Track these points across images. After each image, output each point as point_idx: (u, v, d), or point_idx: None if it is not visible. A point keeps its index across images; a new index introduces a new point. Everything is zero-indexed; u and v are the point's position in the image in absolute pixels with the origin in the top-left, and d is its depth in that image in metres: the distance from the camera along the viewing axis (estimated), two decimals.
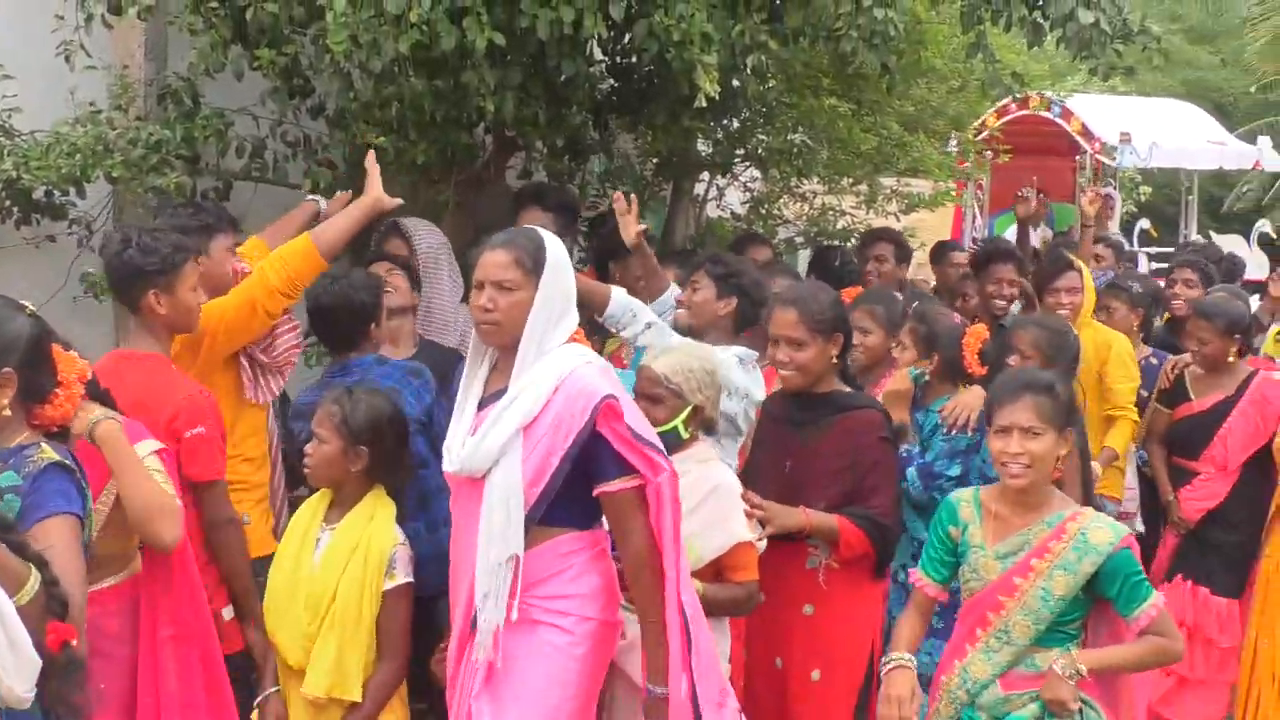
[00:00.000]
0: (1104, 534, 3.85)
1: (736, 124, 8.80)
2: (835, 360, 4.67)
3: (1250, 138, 18.13)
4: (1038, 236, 11.84)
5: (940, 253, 8.63)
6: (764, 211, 10.46)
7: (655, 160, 9.00)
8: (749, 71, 6.41)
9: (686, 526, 3.80)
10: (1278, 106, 28.48)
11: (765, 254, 6.69)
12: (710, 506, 4.11)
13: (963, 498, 4.07)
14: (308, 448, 4.20)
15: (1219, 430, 6.16)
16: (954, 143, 14.45)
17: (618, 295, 5.26)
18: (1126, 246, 13.40)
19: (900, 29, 6.69)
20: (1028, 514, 3.94)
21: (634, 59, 7.14)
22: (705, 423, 4.27)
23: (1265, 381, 6.21)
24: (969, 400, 5.23)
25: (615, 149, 8.30)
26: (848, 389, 4.73)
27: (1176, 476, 6.30)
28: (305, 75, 6.55)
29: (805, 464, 4.55)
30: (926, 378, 5.47)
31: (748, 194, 10.49)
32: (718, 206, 10.42)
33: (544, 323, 3.66)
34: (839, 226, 10.62)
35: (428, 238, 6.23)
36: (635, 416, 3.71)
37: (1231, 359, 6.19)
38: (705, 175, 9.61)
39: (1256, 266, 13.25)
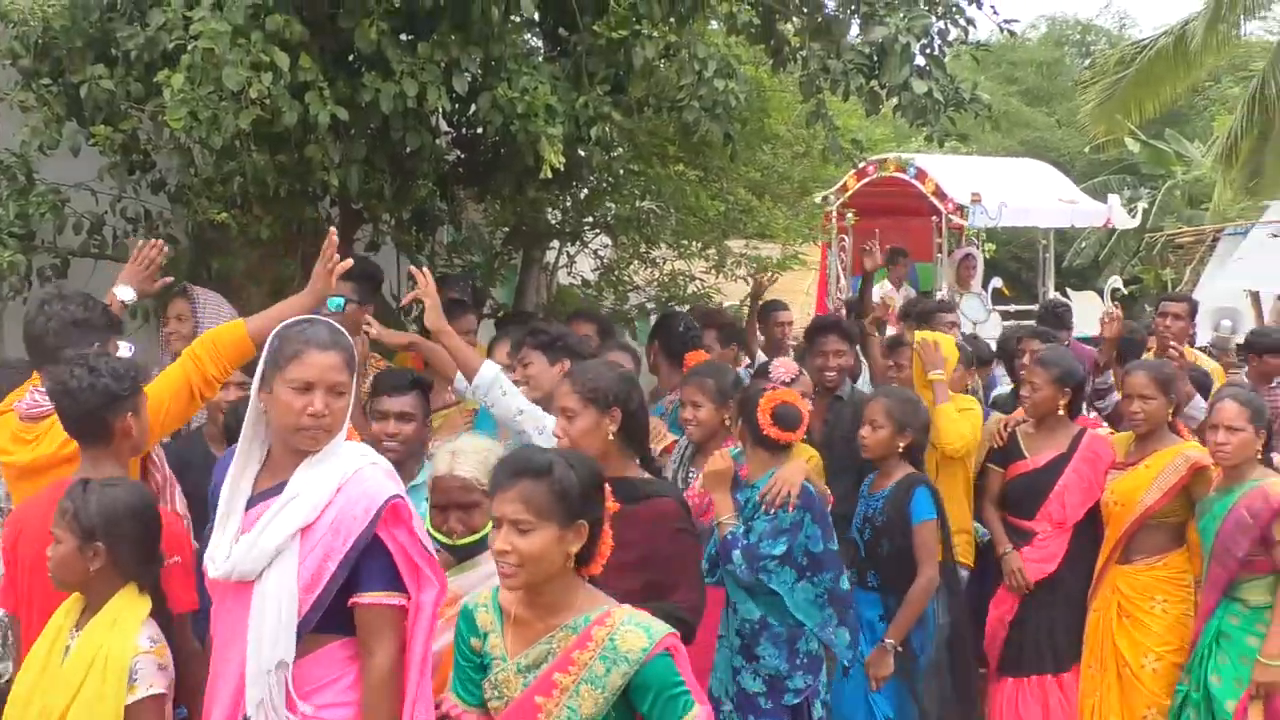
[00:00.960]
0: (636, 639, 3.17)
1: (584, 192, 8.89)
2: (613, 437, 4.25)
3: (1099, 195, 18.78)
4: (902, 295, 12.14)
5: (765, 312, 8.76)
6: (615, 278, 10.56)
7: (504, 229, 9.04)
8: (594, 142, 6.48)
9: None
10: (1110, 165, 29.68)
11: (589, 329, 6.67)
12: None
13: (480, 601, 3.38)
14: (48, 550, 3.76)
15: (1054, 487, 6.22)
16: (819, 201, 14.81)
17: (488, 369, 5.04)
18: (987, 305, 13.67)
19: (741, 99, 6.85)
20: (550, 617, 3.26)
21: (479, 130, 7.19)
22: None
23: (1094, 439, 6.34)
24: (788, 475, 5.09)
25: (463, 219, 8.32)
26: (644, 475, 4.33)
27: (1012, 537, 6.30)
28: (145, 150, 6.48)
29: None
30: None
31: (598, 261, 10.57)
32: (569, 274, 10.49)
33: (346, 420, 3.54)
34: (689, 291, 10.75)
35: (213, 308, 6.09)
36: (419, 524, 3.50)
37: (1061, 412, 6.32)
38: (555, 243, 9.68)
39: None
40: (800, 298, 14.46)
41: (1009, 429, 6.45)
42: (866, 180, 14.45)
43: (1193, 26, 22.04)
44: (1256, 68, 24.16)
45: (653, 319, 11.59)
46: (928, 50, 7.60)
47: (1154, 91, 23.01)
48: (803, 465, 5.18)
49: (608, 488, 3.40)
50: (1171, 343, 7.59)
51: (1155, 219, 25.34)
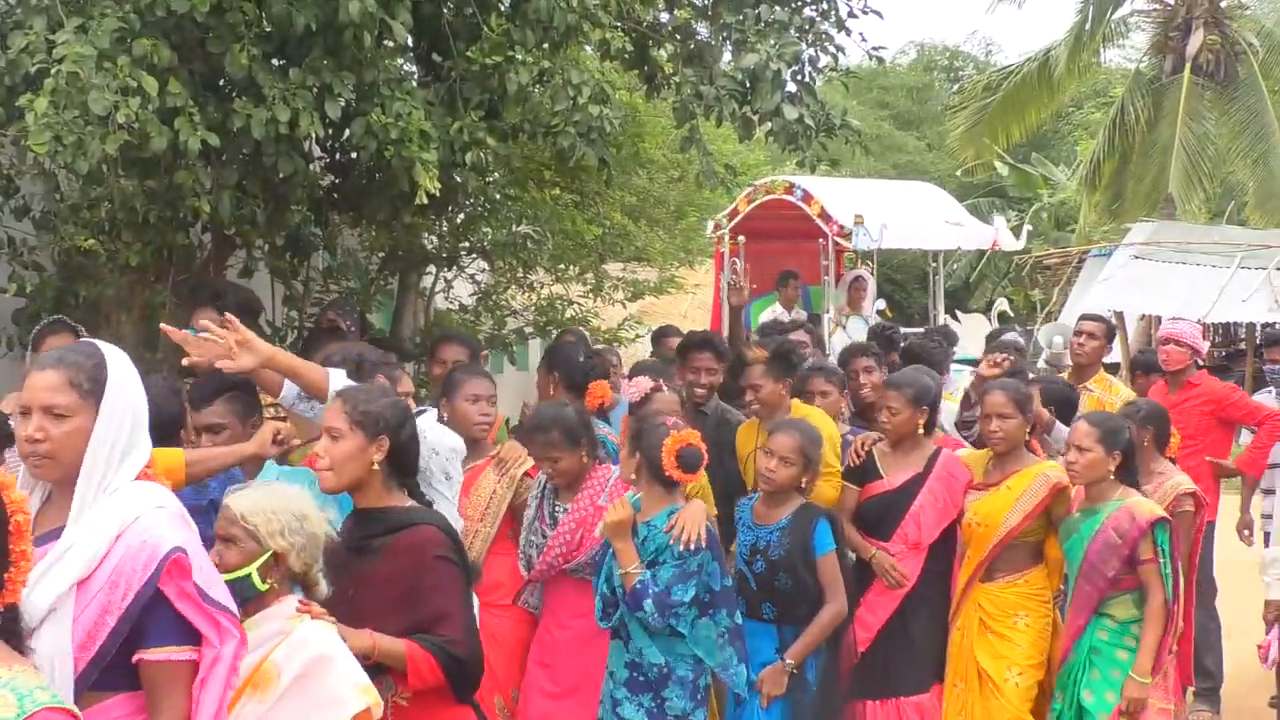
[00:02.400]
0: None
1: (460, 217, 8.90)
2: (378, 466, 4.00)
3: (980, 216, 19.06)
4: (793, 318, 12.24)
5: (658, 338, 8.82)
6: (492, 302, 10.57)
7: (380, 254, 9.00)
8: (469, 167, 6.51)
9: (290, 707, 3.39)
10: (979, 189, 30.36)
11: (458, 353, 6.64)
12: (315, 681, 3.51)
13: None
14: None
15: (910, 508, 6.16)
16: (711, 227, 14.89)
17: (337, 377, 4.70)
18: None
19: (616, 124, 6.92)
20: None
21: (353, 156, 7.16)
22: (293, 575, 3.69)
23: (949, 459, 6.31)
24: (693, 516, 5.00)
25: (339, 244, 8.27)
26: (409, 503, 4.08)
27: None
28: (8, 176, 6.35)
29: (367, 591, 3.94)
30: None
31: (475, 286, 10.57)
32: (446, 299, 10.47)
33: (106, 456, 3.15)
34: (567, 316, 10.79)
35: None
36: (207, 573, 3.23)
37: (920, 431, 6.41)
38: (432, 268, 9.66)
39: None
40: (677, 322, 14.52)
41: (866, 448, 6.37)
42: (756, 204, 14.54)
43: (1056, 53, 22.70)
44: (1116, 93, 24.99)
45: (533, 345, 11.64)
46: (799, 77, 7.75)
47: (1020, 116, 23.64)
48: (703, 506, 5.15)
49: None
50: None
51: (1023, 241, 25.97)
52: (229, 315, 4.49)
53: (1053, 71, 22.65)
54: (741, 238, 13.80)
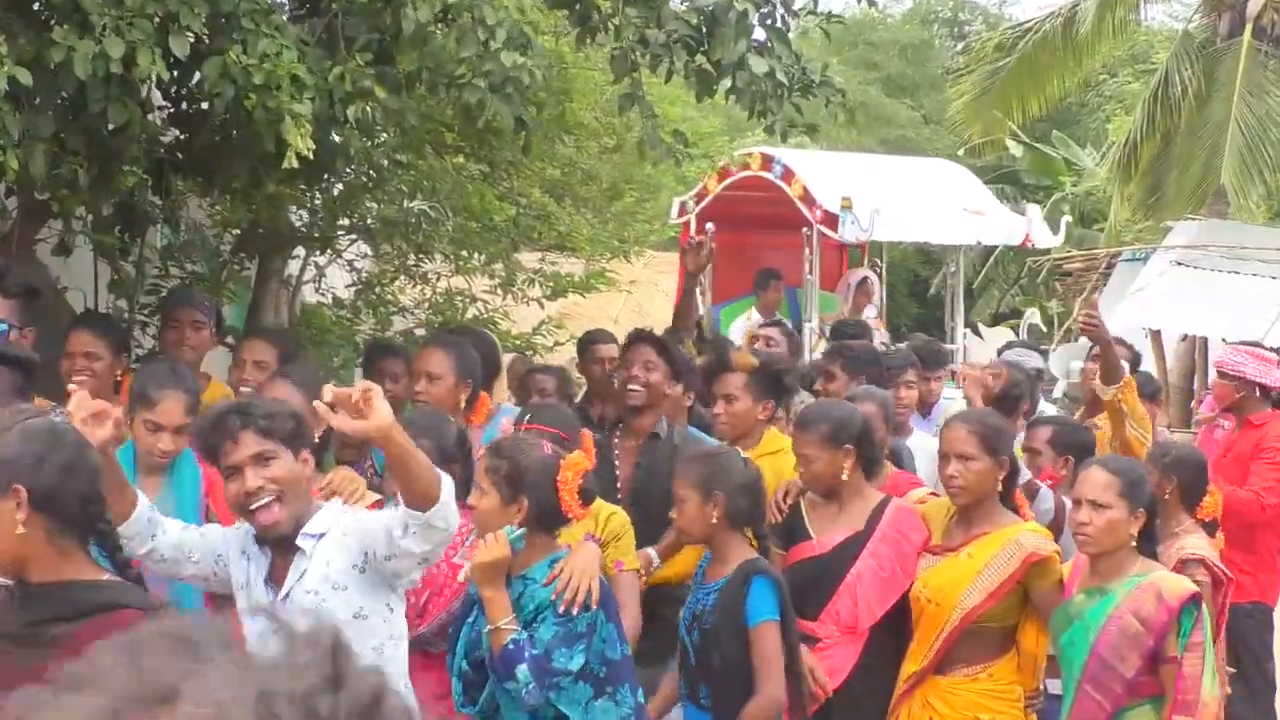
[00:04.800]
0: None
1: (338, 188, 8.86)
2: (24, 529, 3.43)
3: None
4: (748, 327, 12.23)
5: (583, 346, 8.85)
6: (375, 296, 10.53)
7: (235, 232, 8.95)
8: (351, 124, 6.48)
9: None
10: (987, 172, 30.65)
11: (264, 353, 6.60)
12: None
13: None
14: None
15: (844, 578, 5.88)
16: (676, 210, 14.78)
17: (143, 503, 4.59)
18: (883, 341, 13.27)
19: (538, 76, 6.92)
20: None
21: (205, 106, 7.11)
22: None
23: (901, 514, 6.02)
24: (580, 563, 4.96)
25: (183, 218, 8.22)
26: (101, 577, 3.60)
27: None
28: None
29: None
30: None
31: (355, 275, 10.53)
32: (317, 290, 10.42)
33: None
34: (469, 315, 10.77)
35: None
36: None
37: (845, 476, 5.97)
38: (300, 251, 9.60)
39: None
40: (608, 327, 14.50)
41: (790, 499, 6.15)
42: (731, 181, 14.34)
43: (1084, 8, 22.91)
44: (1159, 60, 25.29)
45: None
46: (768, 21, 7.78)
47: (1039, 85, 23.86)
48: (595, 552, 5.10)
49: None
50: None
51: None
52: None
53: (1080, 30, 22.86)
54: (711, 225, 13.67)
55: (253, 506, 4.41)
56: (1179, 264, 15.65)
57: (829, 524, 6.05)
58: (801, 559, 6.01)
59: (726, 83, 7.65)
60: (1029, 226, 15.34)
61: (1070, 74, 24.22)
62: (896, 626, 5.99)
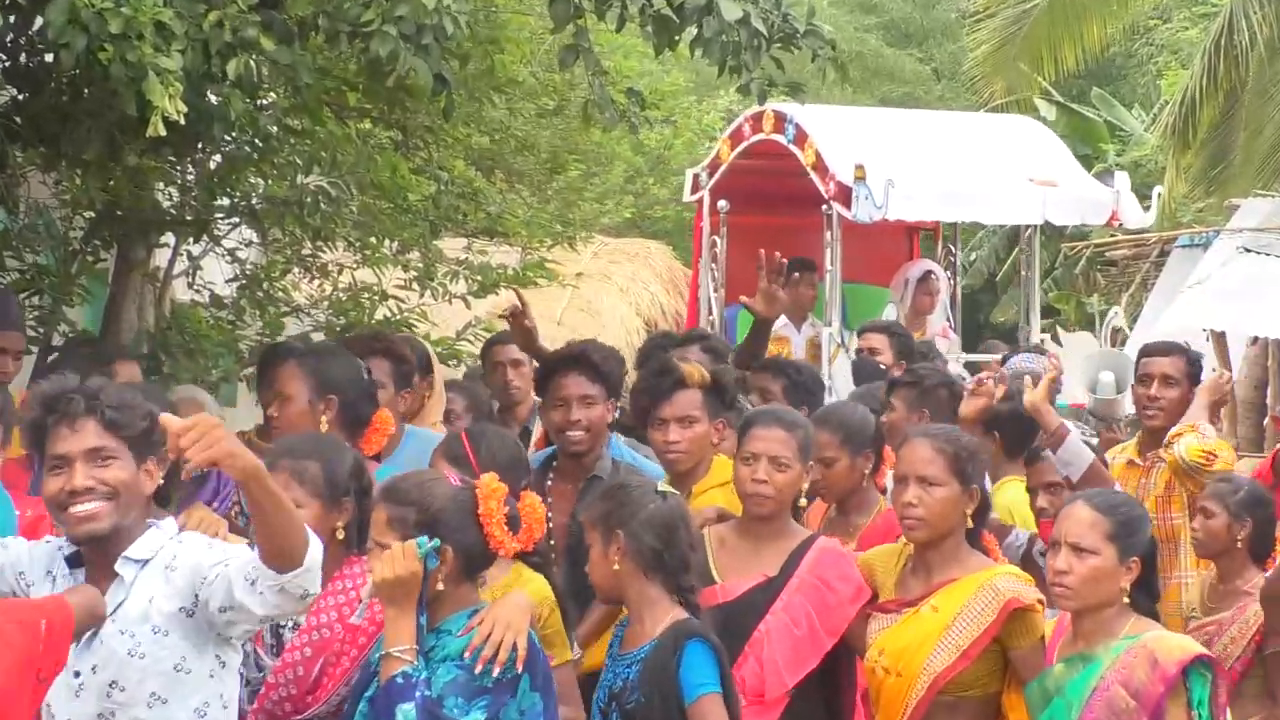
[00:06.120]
0: None
1: (216, 160, 8.83)
2: None
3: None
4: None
5: (486, 349, 8.82)
6: (264, 293, 10.50)
7: (89, 214, 8.91)
8: (232, 82, 6.47)
9: None
10: None
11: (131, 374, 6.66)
12: None
13: None
14: None
15: (753, 633, 5.85)
16: (689, 184, 14.54)
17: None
18: (955, 355, 13.02)
19: (462, 23, 6.91)
20: None
21: (49, 59, 7.09)
22: None
23: (826, 555, 5.98)
24: (506, 615, 4.98)
25: (22, 198, 8.19)
26: None
27: None
28: None
29: None
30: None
31: (238, 267, 10.50)
32: (191, 285, 10.39)
33: None
34: (378, 316, 10.74)
35: None
36: None
37: (865, 484, 6.36)
38: (169, 239, 9.57)
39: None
40: (550, 330, 14.50)
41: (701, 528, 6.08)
42: (745, 145, 13.89)
43: None
44: (1221, 2, 25.39)
45: None
46: None
47: (1074, 32, 23.97)
48: (524, 604, 5.08)
49: None
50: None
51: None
52: None
53: None
54: (724, 203, 13.59)
55: (72, 508, 4.43)
56: (1247, 250, 15.69)
57: (737, 565, 6.04)
58: (706, 607, 5.78)
59: (691, 31, 7.66)
60: (1117, 201, 14.06)
61: (1114, 18, 24.35)
62: (826, 698, 6.00)
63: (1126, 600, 5.48)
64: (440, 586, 5.01)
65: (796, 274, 12.51)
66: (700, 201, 14.13)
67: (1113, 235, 19.68)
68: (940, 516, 5.78)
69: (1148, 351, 8.39)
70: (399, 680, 4.85)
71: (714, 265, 13.72)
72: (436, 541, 4.97)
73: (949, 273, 14.38)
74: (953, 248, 15.11)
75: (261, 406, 6.66)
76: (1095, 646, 5.48)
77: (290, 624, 5.35)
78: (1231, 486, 6.53)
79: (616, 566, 5.41)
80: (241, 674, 5.08)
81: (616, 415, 7.14)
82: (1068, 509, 5.60)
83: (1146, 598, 5.56)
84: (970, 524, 5.89)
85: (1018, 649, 5.72)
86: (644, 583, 5.43)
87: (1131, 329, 17.97)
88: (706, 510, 6.28)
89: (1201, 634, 6.63)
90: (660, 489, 5.64)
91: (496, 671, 4.90)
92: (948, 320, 13.86)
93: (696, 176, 14.36)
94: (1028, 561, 6.84)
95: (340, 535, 5.38)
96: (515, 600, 5.10)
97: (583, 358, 6.99)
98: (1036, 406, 6.91)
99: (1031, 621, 5.71)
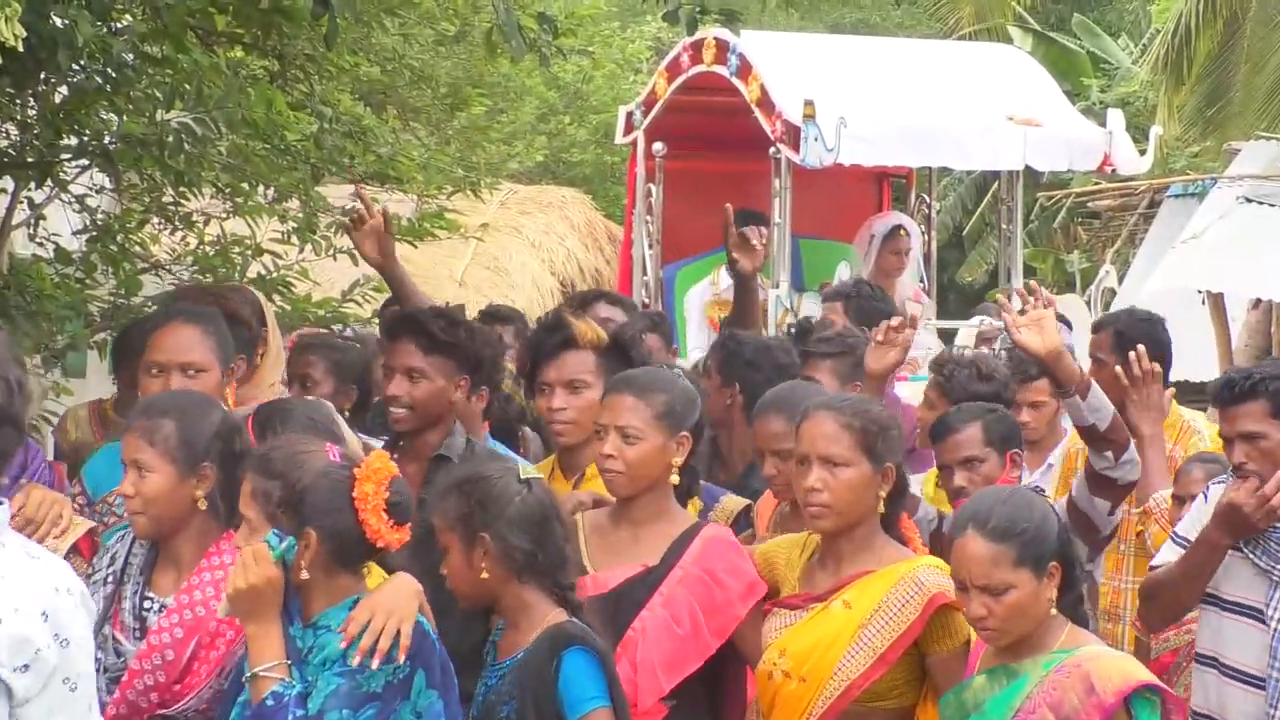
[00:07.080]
0: None
1: (62, 93, 8.82)
2: None
3: None
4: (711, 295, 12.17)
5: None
6: (118, 246, 10.47)
7: None
8: (80, 4, 6.44)
9: None
10: None
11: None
12: None
13: None
14: None
15: (628, 632, 5.84)
16: (622, 124, 14.42)
17: None
18: (929, 319, 13.24)
19: None
20: None
21: None
22: None
23: (714, 546, 6.00)
24: (388, 602, 5.03)
25: None
26: None
27: None
28: None
29: None
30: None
31: (87, 217, 10.48)
32: (33, 237, 10.36)
33: None
34: (252, 274, 10.73)
35: None
36: None
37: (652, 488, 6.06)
38: (7, 183, 9.56)
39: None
40: (449, 288, 14.48)
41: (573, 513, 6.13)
42: (684, 78, 13.83)
43: None
44: None
45: None
46: None
47: None
48: (410, 589, 5.12)
49: None
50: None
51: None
52: None
53: None
54: (660, 146, 13.56)
55: None
56: (1248, 200, 15.79)
57: (612, 553, 6.02)
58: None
59: None
60: (1109, 143, 13.83)
61: None
62: (713, 704, 6.01)
63: (1054, 611, 5.45)
64: (305, 575, 5.04)
65: (751, 225, 12.41)
66: (634, 144, 14.13)
67: (1096, 183, 19.70)
68: (848, 503, 5.74)
69: (1104, 323, 8.53)
70: (269, 703, 4.90)
71: (649, 218, 13.67)
72: (291, 540, 4.98)
73: (923, 227, 14.35)
74: (926, 198, 15.13)
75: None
76: (1022, 659, 5.44)
77: (157, 605, 5.38)
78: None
79: (485, 575, 5.38)
80: (99, 660, 4.92)
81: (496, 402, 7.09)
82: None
83: (1075, 606, 5.56)
84: (884, 509, 5.85)
85: (937, 654, 5.71)
86: (517, 587, 5.42)
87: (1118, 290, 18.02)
88: (581, 494, 6.30)
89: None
90: (523, 476, 5.55)
91: (376, 664, 4.93)
92: (921, 282, 13.84)
93: (630, 115, 14.26)
94: (937, 540, 6.69)
95: (202, 505, 5.40)
96: (401, 585, 5.14)
97: (416, 323, 6.73)
98: (1056, 351, 6.69)
99: (955, 623, 5.67)
